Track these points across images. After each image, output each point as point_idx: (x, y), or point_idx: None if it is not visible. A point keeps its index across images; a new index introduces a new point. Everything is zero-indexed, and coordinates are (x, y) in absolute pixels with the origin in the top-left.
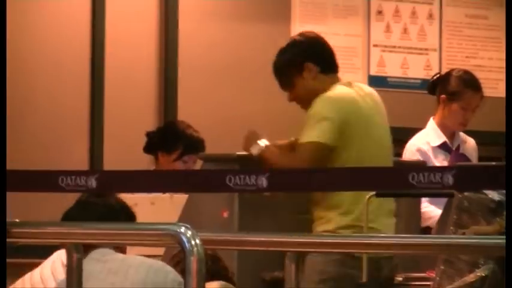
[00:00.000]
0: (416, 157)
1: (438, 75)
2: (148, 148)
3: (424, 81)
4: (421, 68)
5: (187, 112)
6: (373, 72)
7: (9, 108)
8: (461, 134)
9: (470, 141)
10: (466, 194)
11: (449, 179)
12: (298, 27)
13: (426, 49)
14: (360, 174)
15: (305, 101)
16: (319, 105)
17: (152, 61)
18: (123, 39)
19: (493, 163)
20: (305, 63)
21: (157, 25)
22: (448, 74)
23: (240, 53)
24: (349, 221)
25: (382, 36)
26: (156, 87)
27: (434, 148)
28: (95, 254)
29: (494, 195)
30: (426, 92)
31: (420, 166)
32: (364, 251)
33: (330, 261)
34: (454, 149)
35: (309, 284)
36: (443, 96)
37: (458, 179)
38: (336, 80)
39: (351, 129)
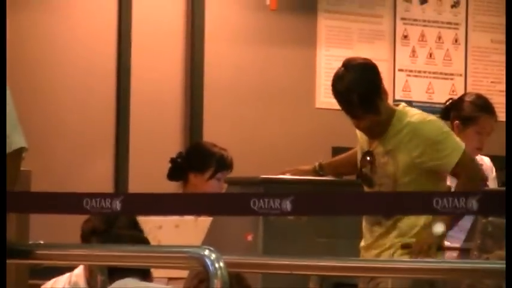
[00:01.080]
0: None
1: (451, 100)
2: (175, 174)
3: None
4: (446, 93)
5: (212, 134)
6: (398, 97)
7: (36, 128)
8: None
9: (486, 162)
10: (490, 218)
11: (474, 204)
12: (323, 52)
13: (452, 74)
14: (385, 199)
15: (379, 126)
16: (435, 124)
17: (178, 83)
18: (149, 61)
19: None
20: (381, 84)
21: (184, 46)
22: (461, 99)
23: (265, 76)
24: None
25: (407, 61)
26: (182, 108)
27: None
28: (117, 284)
29: None
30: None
31: (444, 191)
32: (388, 275)
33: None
34: None
35: None
36: (457, 122)
37: (482, 204)
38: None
39: None
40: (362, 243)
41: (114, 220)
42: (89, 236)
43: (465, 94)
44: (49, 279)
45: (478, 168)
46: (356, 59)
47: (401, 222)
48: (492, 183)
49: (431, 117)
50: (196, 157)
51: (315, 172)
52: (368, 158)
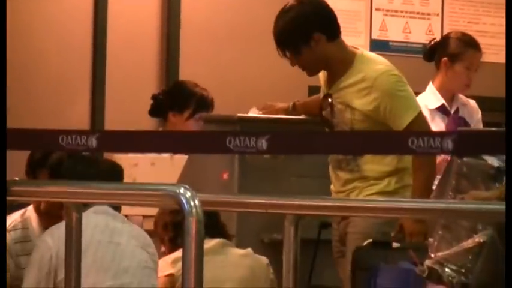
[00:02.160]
0: None
1: (435, 39)
2: (156, 110)
3: (425, 46)
4: (423, 33)
5: (189, 73)
6: (375, 36)
7: (11, 68)
8: (462, 96)
9: (472, 104)
10: (465, 159)
11: (449, 144)
12: None
13: (428, 14)
14: (360, 138)
15: (311, 69)
16: (395, 80)
17: (155, 22)
18: (126, 1)
19: (493, 129)
20: (313, 33)
21: None
22: (447, 37)
23: (243, 16)
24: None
25: (384, 0)
26: (158, 48)
27: (431, 111)
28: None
29: (493, 161)
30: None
31: (420, 131)
32: (362, 214)
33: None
34: (452, 112)
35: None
36: (445, 59)
37: (458, 144)
38: (345, 45)
39: None
40: (331, 187)
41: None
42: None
43: (450, 32)
44: None
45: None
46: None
47: (365, 166)
48: (477, 126)
49: (394, 71)
50: (176, 96)
51: (288, 112)
52: (329, 100)
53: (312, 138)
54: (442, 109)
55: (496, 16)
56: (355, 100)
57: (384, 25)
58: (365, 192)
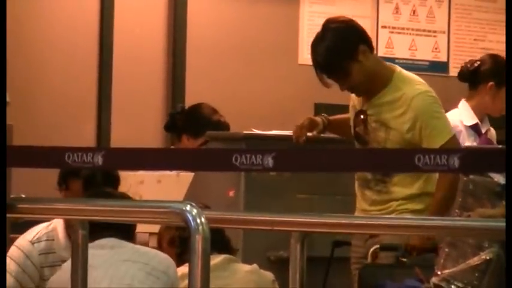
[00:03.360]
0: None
1: (477, 62)
2: (172, 128)
3: (431, 63)
4: (429, 50)
5: (194, 90)
6: (381, 54)
7: (19, 83)
8: (487, 120)
9: (492, 130)
10: (471, 177)
11: (455, 162)
12: (307, 8)
13: (434, 31)
14: (366, 156)
15: (363, 86)
16: (429, 100)
17: (161, 40)
18: (132, 17)
19: (500, 146)
20: (358, 46)
21: (167, 4)
22: (495, 61)
23: (248, 33)
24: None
25: (390, 18)
26: (164, 66)
27: (466, 127)
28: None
29: (499, 178)
30: (435, 74)
31: (426, 148)
32: (372, 231)
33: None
34: (483, 132)
35: None
36: (491, 83)
37: (464, 162)
38: (379, 59)
39: None
40: (357, 205)
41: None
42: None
43: (491, 55)
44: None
45: None
46: (328, 21)
47: (393, 188)
48: None
49: (431, 93)
50: (192, 120)
51: (321, 128)
52: (362, 117)
53: (318, 156)
54: (475, 128)
55: (502, 34)
56: (392, 120)
57: (390, 42)
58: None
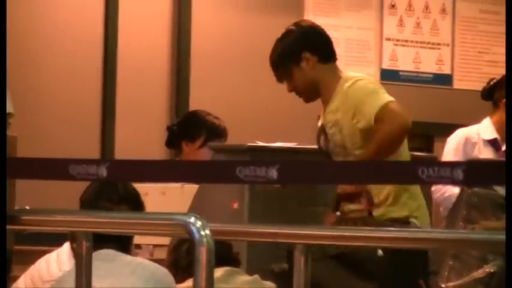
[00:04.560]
0: (461, 145)
1: (494, 80)
2: (171, 141)
3: (435, 75)
4: (433, 63)
5: (199, 101)
6: (385, 66)
7: (23, 94)
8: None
9: None
10: (475, 189)
11: (459, 174)
12: (311, 19)
13: (438, 44)
14: (370, 168)
15: (305, 92)
16: (362, 82)
17: (165, 49)
18: (136, 27)
19: (503, 159)
20: (302, 53)
21: (171, 14)
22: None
23: (252, 44)
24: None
25: (394, 30)
26: (168, 75)
27: (484, 141)
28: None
29: (503, 191)
30: (440, 86)
31: (430, 160)
32: (377, 244)
33: None
34: (502, 149)
35: None
36: (504, 100)
37: (468, 174)
38: (336, 69)
39: None
40: None
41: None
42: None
43: None
44: (34, 245)
45: (400, 115)
46: (293, 24)
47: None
48: None
49: (363, 79)
50: (188, 125)
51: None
52: (322, 130)
53: (322, 168)
54: (493, 142)
55: None
56: (341, 118)
57: (394, 55)
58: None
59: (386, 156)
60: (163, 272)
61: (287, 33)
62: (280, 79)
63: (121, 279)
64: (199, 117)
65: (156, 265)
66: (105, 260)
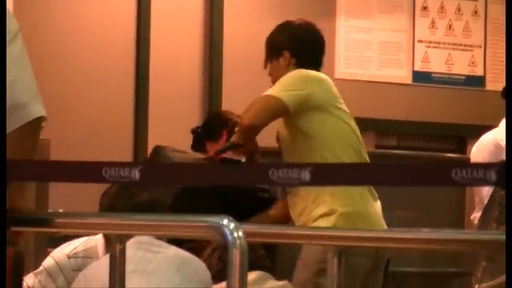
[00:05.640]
0: (490, 150)
1: None
2: (196, 144)
3: (468, 77)
4: (465, 65)
5: (231, 105)
6: (417, 68)
7: (55, 98)
8: None
9: None
10: None
11: (492, 176)
12: (343, 23)
13: (471, 45)
14: (402, 170)
15: (273, 84)
16: (290, 74)
17: (197, 55)
18: (168, 34)
19: None
20: (283, 50)
21: (203, 18)
22: None
23: None
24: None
25: (427, 32)
26: (200, 83)
27: (503, 148)
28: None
29: None
30: (472, 88)
31: (463, 162)
32: (409, 245)
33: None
34: None
35: (306, 275)
36: None
37: (501, 176)
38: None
39: (317, 101)
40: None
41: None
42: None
43: None
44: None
45: (251, 109)
46: (293, 20)
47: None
48: None
49: (294, 72)
50: (210, 126)
51: None
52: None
53: (353, 170)
54: None
55: None
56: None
57: (427, 57)
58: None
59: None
60: (204, 268)
61: (281, 27)
62: (265, 62)
63: (166, 277)
64: (222, 117)
65: (198, 260)
66: (149, 251)
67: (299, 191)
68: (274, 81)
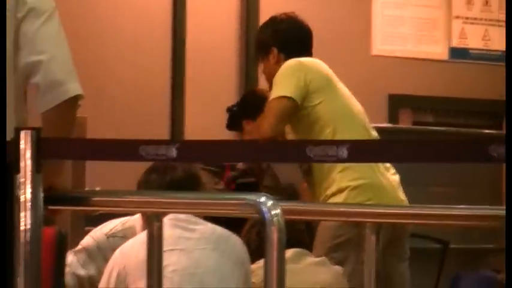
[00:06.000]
0: None
1: None
2: (232, 122)
3: (504, 53)
4: (502, 41)
5: (266, 86)
6: (454, 44)
7: (92, 76)
8: None
9: None
10: None
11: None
12: (379, 3)
13: None
14: (439, 147)
15: (268, 82)
16: (282, 68)
17: (233, 30)
18: (204, 8)
19: None
20: (271, 48)
21: (239, 2)
22: None
23: (320, 24)
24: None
25: (463, 8)
26: (237, 56)
27: None
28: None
29: None
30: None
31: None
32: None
33: (343, 224)
34: None
35: (321, 251)
36: None
37: None
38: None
39: (315, 83)
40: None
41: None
42: None
43: None
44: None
45: (268, 120)
46: (274, 16)
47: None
48: None
49: (288, 63)
50: (248, 104)
51: None
52: None
53: (391, 147)
54: None
55: None
56: None
57: (464, 33)
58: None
59: None
60: (241, 244)
61: (264, 25)
62: (258, 60)
63: (204, 254)
64: (259, 95)
65: (235, 237)
66: (186, 229)
67: (312, 173)
68: (268, 79)
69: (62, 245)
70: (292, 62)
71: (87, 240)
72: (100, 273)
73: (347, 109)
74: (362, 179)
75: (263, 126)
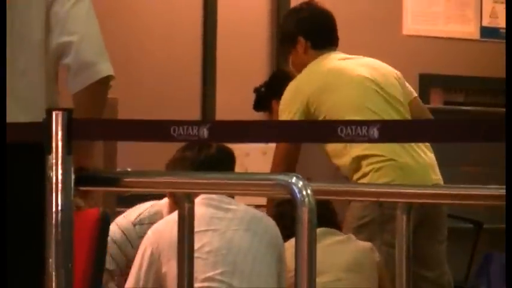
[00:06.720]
0: None
1: None
2: (259, 103)
3: None
4: None
5: None
6: (485, 24)
7: (123, 57)
8: None
9: None
10: None
11: None
12: None
13: None
14: (469, 126)
15: (298, 73)
16: (284, 96)
17: (265, 12)
18: None
19: None
20: (297, 37)
21: None
22: None
23: (352, 4)
24: None
25: None
26: (268, 38)
27: None
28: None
29: None
30: None
31: None
32: (480, 202)
33: (368, 205)
34: None
35: (346, 232)
36: None
37: None
38: (328, 58)
39: (316, 101)
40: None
41: None
42: None
43: None
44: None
45: (274, 167)
46: (298, 4)
47: None
48: None
49: (290, 86)
50: (276, 84)
51: None
52: None
53: (423, 126)
54: None
55: None
56: None
57: (495, 12)
58: None
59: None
60: (274, 224)
61: (285, 19)
62: (286, 54)
63: (237, 235)
64: (287, 74)
65: (268, 217)
66: (219, 209)
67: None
68: (298, 71)
69: (106, 226)
70: (292, 86)
71: (115, 233)
72: (129, 262)
73: (354, 103)
74: (384, 162)
75: (276, 170)
